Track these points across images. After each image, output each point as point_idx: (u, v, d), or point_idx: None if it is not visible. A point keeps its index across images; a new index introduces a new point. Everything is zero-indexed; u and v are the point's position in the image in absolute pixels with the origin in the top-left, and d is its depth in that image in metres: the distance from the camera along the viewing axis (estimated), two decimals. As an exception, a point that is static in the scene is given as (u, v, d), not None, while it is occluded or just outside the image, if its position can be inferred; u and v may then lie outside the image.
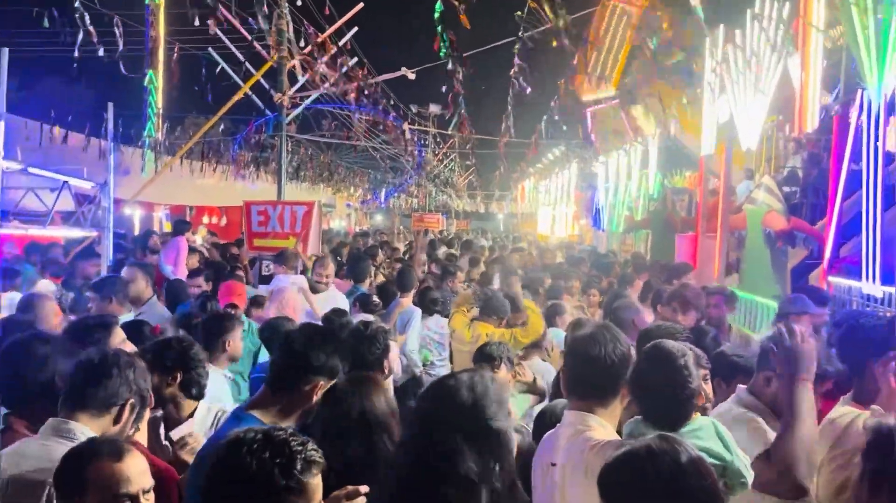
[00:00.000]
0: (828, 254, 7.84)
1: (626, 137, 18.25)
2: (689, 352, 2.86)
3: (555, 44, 11.14)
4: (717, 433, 2.77)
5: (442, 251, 16.58)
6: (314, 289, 7.57)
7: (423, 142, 30.12)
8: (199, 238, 15.67)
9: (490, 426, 2.31)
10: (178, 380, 3.54)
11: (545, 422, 3.36)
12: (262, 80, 15.03)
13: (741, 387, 3.36)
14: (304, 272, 9.41)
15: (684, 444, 1.92)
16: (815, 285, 7.86)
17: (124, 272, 6.37)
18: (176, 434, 3.39)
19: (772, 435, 2.94)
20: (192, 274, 8.10)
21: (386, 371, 3.81)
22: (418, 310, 7.47)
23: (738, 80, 9.67)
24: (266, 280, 9.12)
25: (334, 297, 7.44)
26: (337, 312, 5.55)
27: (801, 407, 2.76)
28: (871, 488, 2.23)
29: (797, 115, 8.23)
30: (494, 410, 2.35)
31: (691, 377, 2.78)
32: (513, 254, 14.08)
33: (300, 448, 1.96)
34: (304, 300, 7.22)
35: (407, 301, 7.60)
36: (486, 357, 4.72)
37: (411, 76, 14.11)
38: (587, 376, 2.75)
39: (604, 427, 2.67)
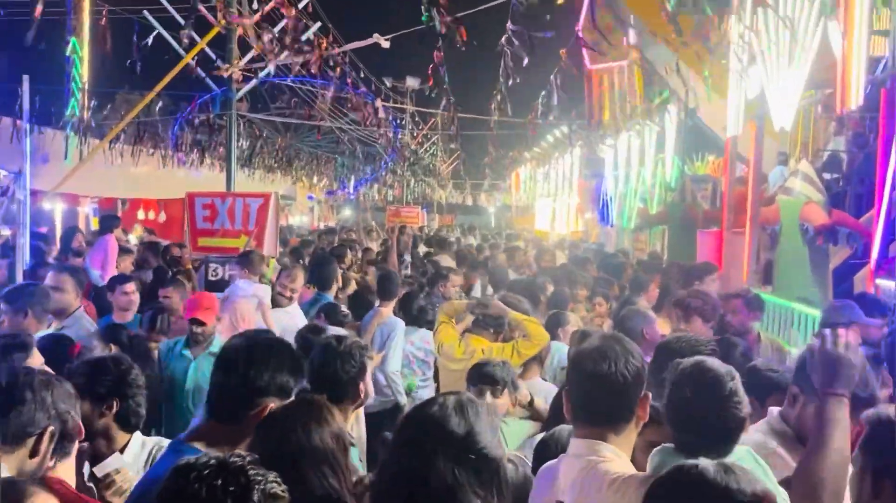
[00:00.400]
0: (875, 252, 7.90)
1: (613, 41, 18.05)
2: (736, 374, 2.92)
3: (560, 1, 11.18)
4: (758, 464, 2.81)
5: (420, 251, 16.61)
6: (275, 303, 7.55)
7: (398, 121, 30.09)
8: (133, 237, 15.59)
9: (487, 455, 2.34)
10: (114, 409, 3.51)
11: (549, 452, 3.36)
12: (208, 49, 14.96)
13: (773, 409, 3.41)
14: (259, 280, 9.38)
15: (752, 477, 1.97)
16: (864, 290, 7.91)
17: (50, 278, 6.28)
18: (100, 470, 3.32)
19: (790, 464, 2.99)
20: (121, 279, 7.63)
21: (361, 395, 3.80)
22: (401, 323, 7.46)
23: (769, 48, 9.73)
24: (213, 286, 9.08)
25: (294, 316, 7.43)
26: (314, 329, 5.54)
27: (831, 426, 2.79)
28: (874, 482, 2.30)
29: (839, 90, 8.29)
30: (488, 437, 2.37)
31: (741, 404, 2.83)
32: (500, 255, 14.08)
33: (260, 478, 1.97)
34: (259, 315, 7.22)
35: (387, 311, 7.59)
36: (486, 379, 4.67)
37: (385, 44, 14.08)
38: (596, 398, 2.76)
39: (620, 458, 2.69)
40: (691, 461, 2.12)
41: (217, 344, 5.88)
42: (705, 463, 2.04)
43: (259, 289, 7.79)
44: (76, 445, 2.86)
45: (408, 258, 13.85)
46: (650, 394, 2.81)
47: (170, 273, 9.94)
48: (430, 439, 2.33)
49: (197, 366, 5.93)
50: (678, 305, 5.95)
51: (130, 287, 7.28)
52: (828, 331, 2.92)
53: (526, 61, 11.90)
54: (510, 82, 12.65)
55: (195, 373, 5.89)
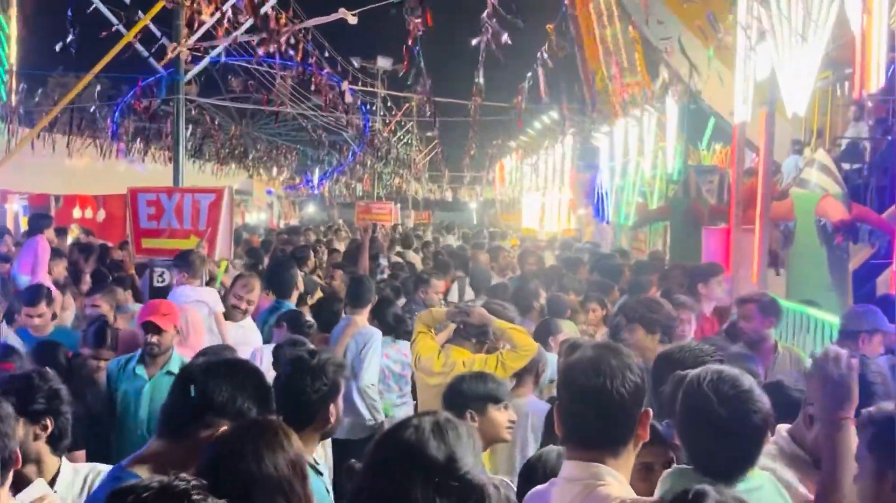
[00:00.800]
0: (899, 250, 7.99)
1: None
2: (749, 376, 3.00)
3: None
4: (777, 492, 2.86)
5: (395, 253, 16.62)
6: (227, 316, 7.48)
7: (369, 106, 30.08)
8: (70, 239, 15.49)
9: (470, 482, 2.33)
10: (49, 430, 3.49)
11: (536, 475, 3.39)
12: (152, 26, 14.90)
13: (781, 427, 3.43)
14: (210, 283, 9.33)
15: None
16: (888, 293, 7.99)
17: (-30, 287, 6.23)
18: (24, 497, 3.27)
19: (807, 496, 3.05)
20: (28, 296, 7.05)
21: (332, 418, 3.80)
22: (378, 333, 7.47)
23: (780, 22, 9.80)
24: (159, 293, 9.04)
25: (248, 330, 7.37)
26: (293, 343, 5.50)
27: (844, 453, 2.84)
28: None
29: (857, 70, 8.36)
30: (470, 461, 2.37)
31: (762, 402, 2.93)
32: (481, 255, 14.10)
33: None
34: (213, 326, 7.18)
35: (362, 320, 7.59)
36: (492, 397, 4.67)
37: (352, 20, 14.08)
38: (590, 417, 2.76)
39: (620, 482, 2.69)
40: (698, 486, 2.14)
41: (176, 360, 5.68)
42: (706, 490, 2.06)
43: (206, 295, 7.70)
44: (11, 475, 2.82)
45: (384, 261, 13.79)
46: (651, 412, 2.81)
47: (110, 278, 9.88)
48: (407, 465, 2.32)
49: (153, 388, 5.64)
50: (621, 310, 5.99)
51: (37, 310, 6.80)
52: (826, 352, 3.01)
53: (505, 37, 11.93)
54: (494, 54, 12.68)
55: (150, 396, 5.61)
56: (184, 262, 8.04)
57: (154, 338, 5.68)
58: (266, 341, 7.26)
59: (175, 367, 5.56)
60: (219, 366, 3.08)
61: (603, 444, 2.73)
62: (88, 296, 7.58)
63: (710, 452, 2.88)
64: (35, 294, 7.07)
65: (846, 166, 13.10)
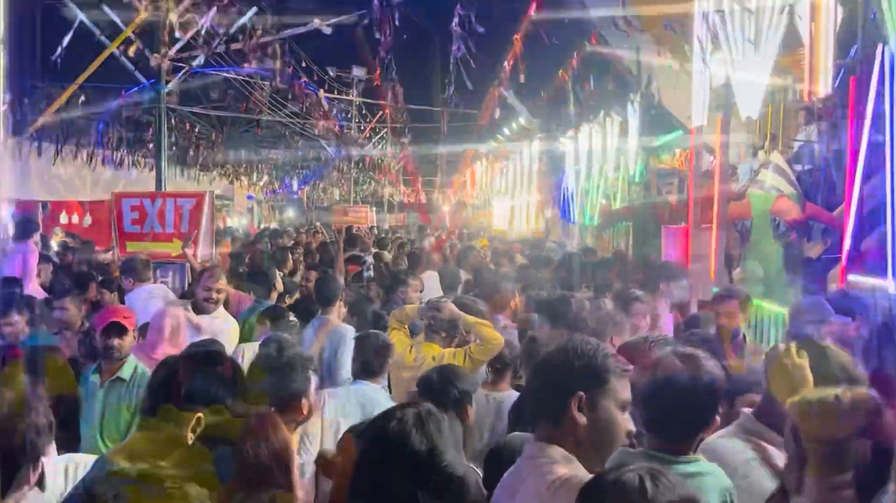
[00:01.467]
0: (847, 246, 8.07)
1: None
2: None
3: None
4: (723, 488, 2.87)
5: (373, 254, 16.57)
6: (199, 309, 7.32)
7: (344, 114, 30.01)
8: (54, 244, 15.37)
9: (451, 474, 2.33)
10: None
11: (502, 459, 3.38)
12: (133, 37, 14.81)
13: (745, 410, 3.47)
14: (191, 286, 9.26)
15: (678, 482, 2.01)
16: (842, 288, 8.06)
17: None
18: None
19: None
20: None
21: (304, 412, 3.79)
22: (351, 330, 7.42)
23: (734, 32, 9.89)
24: (143, 297, 9.00)
25: (223, 320, 7.18)
26: (278, 339, 5.45)
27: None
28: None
29: (806, 76, 8.45)
30: (451, 453, 2.37)
31: (711, 363, 3.02)
32: (434, 255, 14.10)
33: None
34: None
35: (334, 318, 7.54)
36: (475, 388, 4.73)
37: (326, 30, 14.07)
38: (533, 397, 2.77)
39: (568, 461, 2.68)
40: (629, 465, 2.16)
41: (129, 366, 5.48)
42: (630, 469, 2.08)
43: (156, 290, 7.63)
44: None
45: (369, 258, 13.64)
46: (583, 395, 2.67)
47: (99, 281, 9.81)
48: (391, 458, 2.34)
49: (104, 395, 5.42)
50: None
51: (8, 319, 6.39)
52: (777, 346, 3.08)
53: (461, 45, 11.96)
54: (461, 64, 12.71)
55: (101, 405, 5.38)
56: (129, 268, 8.04)
57: (116, 342, 5.44)
58: (247, 339, 7.19)
59: (126, 374, 5.44)
60: (194, 357, 3.13)
61: (550, 425, 2.69)
62: (57, 299, 7.38)
63: (664, 413, 2.93)
64: (6, 303, 6.79)
65: (798, 167, 13.20)
